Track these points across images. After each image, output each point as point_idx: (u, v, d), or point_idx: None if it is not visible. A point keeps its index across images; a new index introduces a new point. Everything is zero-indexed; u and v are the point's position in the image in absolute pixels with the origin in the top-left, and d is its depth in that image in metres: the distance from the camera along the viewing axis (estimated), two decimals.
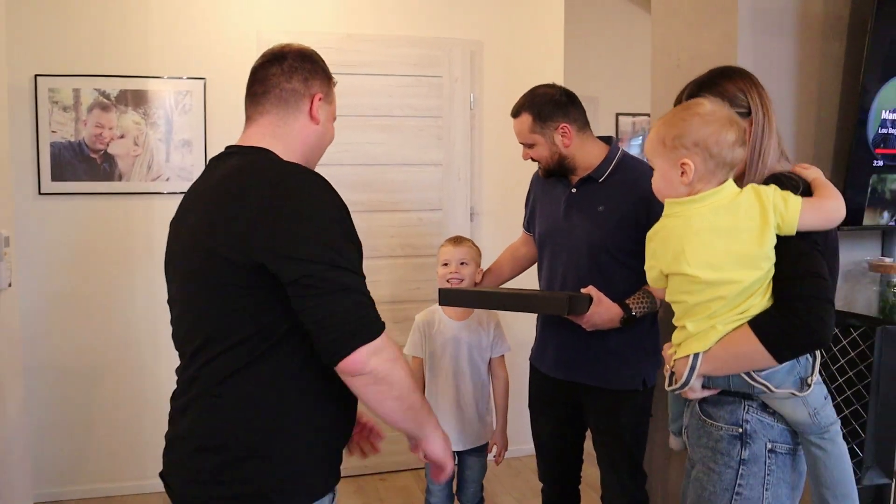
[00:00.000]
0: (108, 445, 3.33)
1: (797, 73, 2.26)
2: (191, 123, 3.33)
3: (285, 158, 1.39)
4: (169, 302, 1.48)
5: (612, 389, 2.09)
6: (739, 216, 1.38)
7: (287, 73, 1.44)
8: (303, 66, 1.45)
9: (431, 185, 3.60)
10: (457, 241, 2.41)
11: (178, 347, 1.43)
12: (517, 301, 2.09)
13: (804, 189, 1.43)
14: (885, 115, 2.19)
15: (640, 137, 4.68)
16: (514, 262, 2.50)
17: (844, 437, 1.50)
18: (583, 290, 1.98)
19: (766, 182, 1.45)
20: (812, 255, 1.38)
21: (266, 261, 1.24)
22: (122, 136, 3.27)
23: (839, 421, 1.48)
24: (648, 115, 4.90)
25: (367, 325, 1.25)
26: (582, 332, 2.03)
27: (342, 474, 1.44)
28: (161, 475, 1.43)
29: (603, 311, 1.96)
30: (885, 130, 2.19)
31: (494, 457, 2.50)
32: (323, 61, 1.52)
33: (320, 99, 1.46)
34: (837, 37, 2.30)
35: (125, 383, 3.33)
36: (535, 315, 2.32)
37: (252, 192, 1.27)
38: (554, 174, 2.17)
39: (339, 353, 1.23)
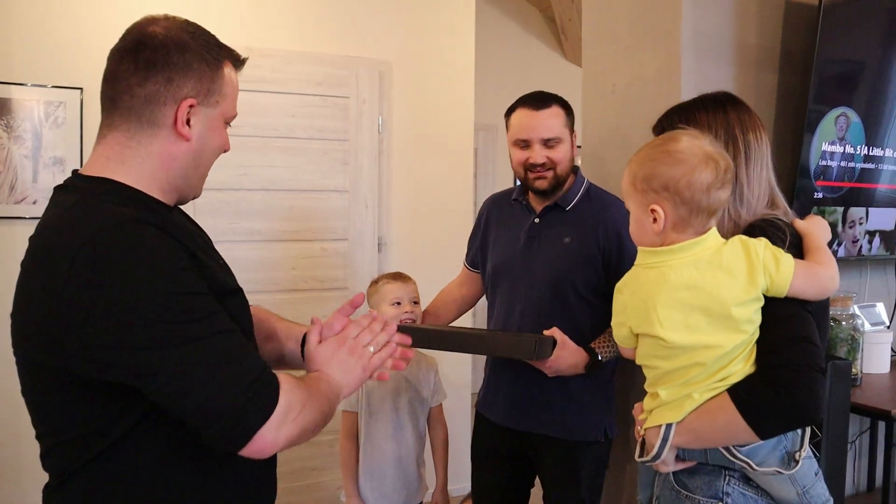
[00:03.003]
0: None
1: None
2: (64, 138, 2.91)
3: (139, 187, 1.08)
4: None
5: (571, 440, 1.91)
6: (722, 272, 1.21)
7: (142, 70, 1.05)
8: (166, 61, 1.06)
9: (336, 213, 3.34)
10: (403, 276, 2.15)
11: None
12: (480, 342, 1.86)
13: (791, 238, 1.28)
14: (825, 147, 2.18)
15: None
16: (454, 303, 2.28)
17: None
18: (546, 332, 1.79)
19: (750, 227, 1.31)
20: (801, 317, 1.22)
21: (91, 372, 0.98)
22: None
23: (832, 499, 1.33)
24: None
25: (257, 400, 0.98)
26: (537, 377, 1.85)
27: None
28: None
29: (568, 355, 1.77)
30: (824, 163, 2.19)
31: None
32: (206, 45, 1.12)
33: (193, 105, 1.09)
34: (770, 68, 2.29)
35: None
36: (471, 356, 2.12)
37: (55, 273, 0.97)
38: (555, 189, 1.94)
39: (235, 444, 0.99)
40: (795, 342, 1.19)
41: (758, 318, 1.22)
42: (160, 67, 1.06)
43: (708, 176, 1.21)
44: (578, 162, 2.46)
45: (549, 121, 1.90)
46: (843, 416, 1.97)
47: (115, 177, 1.08)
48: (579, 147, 2.47)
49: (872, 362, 2.40)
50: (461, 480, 3.34)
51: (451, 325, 2.28)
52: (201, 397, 0.96)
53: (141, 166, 1.09)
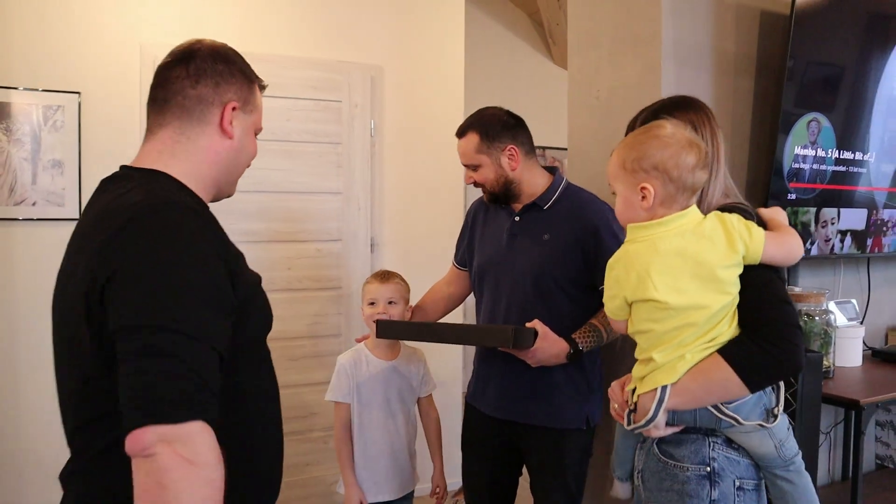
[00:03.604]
0: None
1: (713, 106, 2.30)
2: (63, 142, 2.97)
3: (185, 181, 1.20)
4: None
5: (556, 428, 2.01)
6: (705, 240, 1.35)
7: (193, 76, 1.22)
8: (214, 68, 1.24)
9: (330, 215, 3.42)
10: (384, 276, 2.23)
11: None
12: (460, 334, 1.97)
13: (758, 221, 1.42)
14: (798, 150, 2.28)
15: None
16: (442, 301, 2.38)
17: None
18: (528, 324, 1.89)
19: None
20: (776, 282, 1.37)
21: (95, 310, 1.03)
22: None
23: (800, 451, 1.46)
24: (541, 148, 5.00)
25: (171, 403, 0.96)
26: (524, 369, 1.94)
27: None
28: None
29: (549, 345, 1.88)
30: (797, 165, 2.29)
31: (436, 499, 2.35)
32: (243, 62, 1.30)
33: (235, 108, 1.25)
34: (746, 74, 2.39)
35: None
36: (460, 351, 2.20)
37: (102, 233, 1.06)
38: (499, 200, 2.08)
39: (126, 426, 0.95)
40: (775, 303, 1.34)
41: (738, 283, 1.35)
42: (209, 74, 1.23)
43: (693, 158, 1.35)
44: (567, 164, 2.55)
45: (463, 148, 2.07)
46: (814, 406, 2.07)
47: (167, 170, 1.19)
48: (564, 150, 2.56)
49: (846, 356, 2.50)
50: (453, 475, 3.42)
51: (438, 320, 2.38)
52: (133, 373, 0.97)
53: (190, 159, 1.22)
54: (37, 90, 2.93)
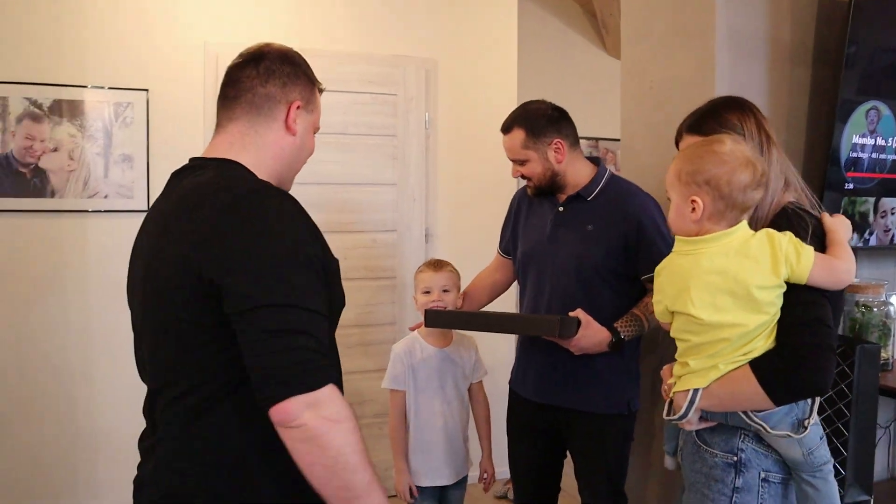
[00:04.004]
0: (30, 488, 3.04)
1: (769, 97, 2.30)
2: (132, 137, 3.12)
3: (255, 172, 1.27)
4: (133, 330, 1.33)
5: (597, 413, 2.04)
6: (748, 261, 1.36)
7: (263, 75, 1.31)
8: (281, 69, 1.32)
9: (386, 206, 3.51)
10: (437, 265, 2.29)
11: (143, 380, 1.30)
12: (506, 323, 2.03)
13: (814, 229, 1.42)
14: (856, 139, 2.25)
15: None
16: (489, 287, 2.43)
17: None
18: (571, 314, 1.93)
19: (778, 216, 1.45)
20: (818, 302, 1.37)
21: (207, 284, 1.11)
22: (55, 150, 3.03)
23: (832, 459, 1.48)
24: (594, 139, 4.99)
25: (307, 373, 1.08)
26: (564, 355, 1.99)
27: None
28: None
29: (591, 334, 1.92)
30: (855, 154, 2.26)
31: (484, 484, 2.40)
32: (307, 65, 1.39)
33: (299, 107, 1.33)
34: (803, 63, 2.36)
35: (55, 420, 3.05)
36: (512, 339, 2.25)
37: (203, 212, 1.14)
38: (545, 192, 2.11)
39: (270, 399, 1.07)
40: (812, 324, 1.34)
41: (779, 302, 1.36)
42: (277, 74, 1.32)
43: (746, 177, 1.37)
44: (619, 155, 2.56)
45: (508, 145, 2.10)
46: (871, 397, 2.04)
47: (238, 159, 1.28)
48: (616, 140, 2.57)
49: None
50: (505, 463, 3.47)
51: (484, 308, 2.43)
52: (265, 349, 1.07)
53: (259, 152, 1.30)
54: (104, 88, 3.07)
